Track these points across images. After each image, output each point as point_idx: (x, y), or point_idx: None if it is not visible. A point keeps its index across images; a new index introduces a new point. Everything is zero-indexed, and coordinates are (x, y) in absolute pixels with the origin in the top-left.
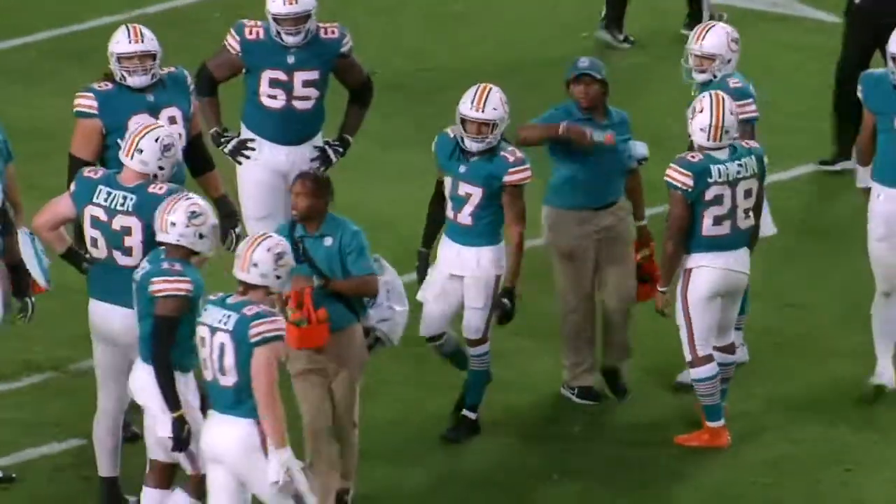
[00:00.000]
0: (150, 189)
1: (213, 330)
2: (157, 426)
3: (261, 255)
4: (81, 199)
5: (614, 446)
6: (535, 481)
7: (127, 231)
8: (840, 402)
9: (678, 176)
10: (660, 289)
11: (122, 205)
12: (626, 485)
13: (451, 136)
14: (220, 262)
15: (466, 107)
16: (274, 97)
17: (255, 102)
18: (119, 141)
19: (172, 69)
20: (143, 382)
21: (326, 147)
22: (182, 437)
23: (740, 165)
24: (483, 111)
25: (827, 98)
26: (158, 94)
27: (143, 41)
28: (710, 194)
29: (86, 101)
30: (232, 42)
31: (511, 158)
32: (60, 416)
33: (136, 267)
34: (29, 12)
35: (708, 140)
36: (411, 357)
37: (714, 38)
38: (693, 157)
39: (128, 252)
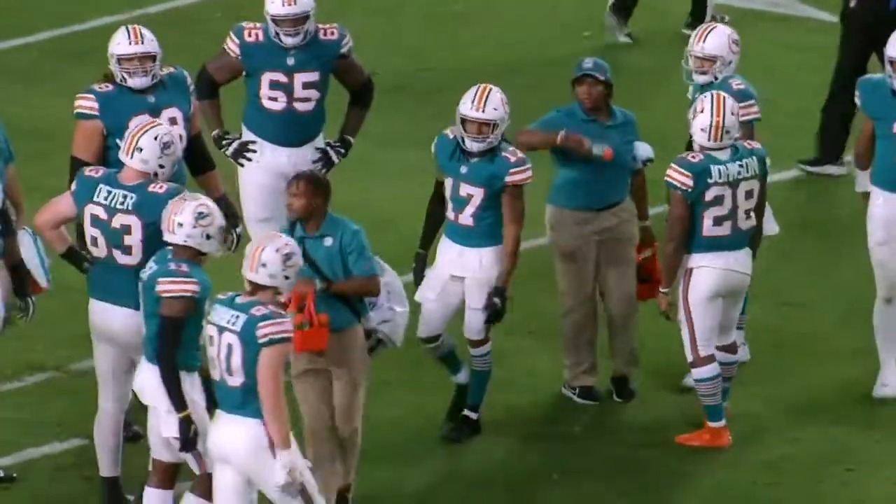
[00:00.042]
0: (151, 188)
1: (222, 330)
2: (163, 426)
3: (269, 256)
4: (82, 197)
5: (615, 446)
6: (536, 481)
7: (126, 230)
8: (841, 402)
9: (678, 176)
10: (661, 289)
11: (122, 203)
12: (627, 485)
13: (451, 137)
14: (220, 261)
15: (467, 107)
16: (274, 99)
17: (256, 105)
18: (119, 142)
19: (172, 69)
20: (148, 382)
21: (328, 148)
22: (189, 437)
23: (741, 166)
24: (483, 111)
25: None
26: (159, 95)
27: (143, 42)
28: (710, 195)
29: (86, 103)
30: (231, 45)
31: (512, 159)
32: (62, 415)
33: (135, 266)
34: (30, 12)
35: (709, 140)
36: (412, 358)
37: (715, 39)
38: (693, 157)
39: (127, 251)
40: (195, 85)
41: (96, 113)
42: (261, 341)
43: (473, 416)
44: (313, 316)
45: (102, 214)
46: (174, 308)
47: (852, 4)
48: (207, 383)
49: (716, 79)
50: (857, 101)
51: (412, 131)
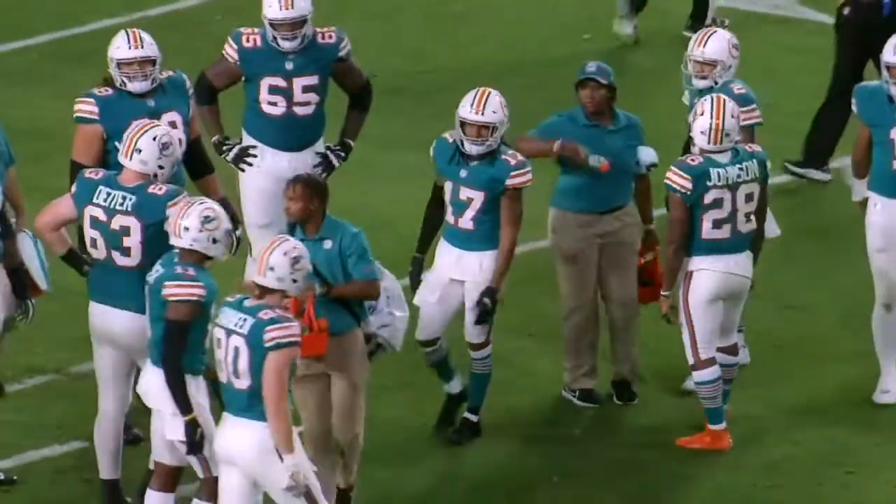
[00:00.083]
0: (150, 189)
1: (229, 333)
2: (167, 429)
3: (277, 259)
4: (82, 199)
5: (615, 449)
6: (536, 483)
7: (126, 231)
8: (841, 404)
9: (677, 179)
10: (662, 292)
11: (122, 205)
12: (627, 487)
13: (450, 140)
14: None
15: (466, 110)
16: (274, 104)
17: (256, 109)
18: (119, 145)
19: (171, 73)
20: (153, 385)
21: (328, 153)
22: (195, 439)
23: (741, 169)
24: (483, 114)
25: None
26: (159, 98)
27: (142, 47)
28: (709, 198)
29: (86, 107)
30: (230, 51)
31: (513, 161)
32: (62, 418)
33: (134, 268)
34: (29, 14)
35: (709, 143)
36: (410, 362)
37: (715, 44)
38: (692, 160)
39: (126, 252)
40: (194, 90)
41: (96, 117)
42: (267, 345)
43: (473, 418)
44: (313, 321)
45: (102, 216)
46: (180, 312)
47: (846, 12)
48: (215, 385)
49: (716, 83)
50: (854, 108)
51: (412, 133)
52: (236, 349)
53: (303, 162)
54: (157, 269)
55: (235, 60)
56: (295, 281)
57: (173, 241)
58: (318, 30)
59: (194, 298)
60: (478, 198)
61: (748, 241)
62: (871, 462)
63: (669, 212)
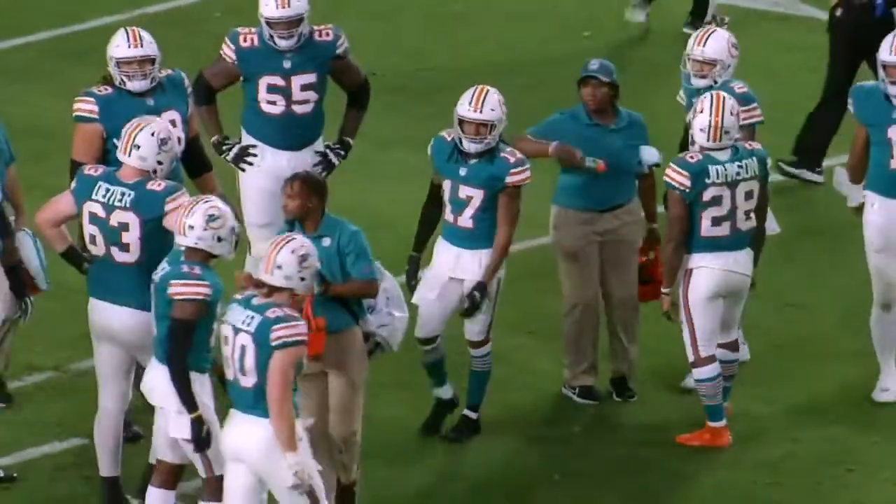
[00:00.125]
0: (149, 185)
1: (237, 330)
2: (172, 427)
3: (285, 257)
4: (81, 195)
5: (615, 446)
6: (536, 481)
7: (124, 227)
8: (841, 403)
9: (676, 176)
10: (663, 290)
11: (120, 200)
12: (627, 485)
13: (448, 138)
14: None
15: (464, 108)
16: (273, 103)
17: (255, 109)
18: (118, 143)
19: (170, 71)
20: (157, 383)
21: (328, 151)
22: (202, 437)
23: (740, 167)
24: (481, 112)
25: None
26: (158, 97)
27: (142, 46)
28: (708, 195)
29: (86, 106)
30: (227, 51)
31: (512, 159)
32: (61, 415)
33: (133, 264)
34: (29, 12)
35: (708, 140)
36: (409, 361)
37: (715, 43)
38: (691, 157)
39: (125, 248)
40: (192, 91)
41: (96, 116)
42: (273, 344)
43: (473, 415)
44: (311, 319)
45: (100, 212)
46: (186, 311)
47: (838, 14)
48: (222, 380)
49: (715, 82)
50: (851, 108)
51: (411, 132)
52: (243, 347)
53: (302, 161)
54: (164, 267)
55: (233, 60)
56: (303, 279)
57: (178, 239)
58: (315, 27)
59: (200, 297)
60: (477, 196)
61: (748, 239)
62: (870, 460)
63: (668, 209)
